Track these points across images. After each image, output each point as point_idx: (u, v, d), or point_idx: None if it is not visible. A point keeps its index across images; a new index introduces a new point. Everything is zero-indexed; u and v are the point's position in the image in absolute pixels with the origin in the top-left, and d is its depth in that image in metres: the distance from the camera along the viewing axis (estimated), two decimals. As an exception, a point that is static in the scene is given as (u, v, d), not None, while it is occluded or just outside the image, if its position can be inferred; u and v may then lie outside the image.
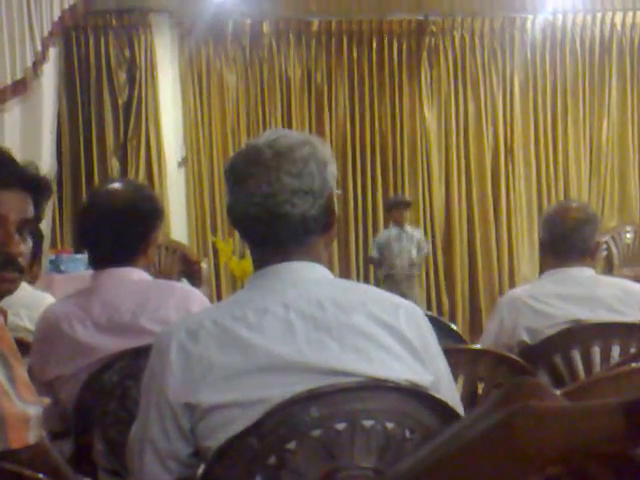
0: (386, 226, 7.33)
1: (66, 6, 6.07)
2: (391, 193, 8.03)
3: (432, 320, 2.04)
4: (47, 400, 1.58)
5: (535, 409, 0.39)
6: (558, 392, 1.76)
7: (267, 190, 1.61)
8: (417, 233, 7.18)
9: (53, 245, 6.90)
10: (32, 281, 3.53)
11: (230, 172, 1.70)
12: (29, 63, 5.94)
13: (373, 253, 7.14)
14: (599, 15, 8.32)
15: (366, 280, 7.86)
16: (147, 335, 2.21)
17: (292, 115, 8.04)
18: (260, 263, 1.70)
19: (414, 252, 6.97)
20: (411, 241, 7.00)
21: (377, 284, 7.20)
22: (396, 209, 6.99)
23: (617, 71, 8.44)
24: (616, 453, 0.41)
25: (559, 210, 3.02)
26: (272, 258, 1.67)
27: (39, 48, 6.01)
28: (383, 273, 7.08)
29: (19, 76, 5.90)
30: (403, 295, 6.24)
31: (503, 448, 0.38)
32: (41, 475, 1.38)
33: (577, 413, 0.39)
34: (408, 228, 7.05)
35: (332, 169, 1.69)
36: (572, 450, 0.39)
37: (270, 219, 1.63)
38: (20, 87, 5.94)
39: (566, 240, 2.90)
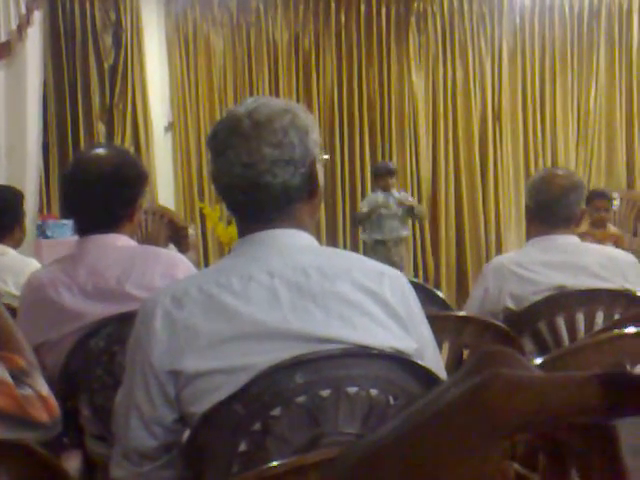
0: (374, 191, 7.26)
1: (50, -32, 6.00)
2: (379, 158, 8.01)
3: (417, 287, 2.05)
4: None
5: (506, 377, 0.40)
6: (538, 360, 1.78)
7: (247, 160, 1.60)
8: (403, 194, 7.08)
9: (40, 210, 6.87)
10: (15, 245, 3.53)
11: (211, 142, 1.68)
12: (13, 26, 5.88)
13: (363, 209, 6.95)
14: (588, -20, 8.29)
15: (354, 244, 7.86)
16: (133, 301, 2.21)
17: (279, 79, 7.98)
18: (244, 231, 1.69)
19: (401, 213, 6.92)
20: (398, 205, 6.93)
21: (365, 248, 7.17)
22: (381, 177, 6.91)
23: (605, 37, 8.41)
24: (588, 423, 0.42)
25: (545, 177, 3.01)
26: (255, 226, 1.67)
27: (23, 11, 5.94)
28: (372, 238, 7.01)
29: (3, 39, 5.85)
30: (392, 261, 6.17)
31: (471, 415, 0.39)
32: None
33: (550, 382, 0.40)
34: (395, 193, 6.98)
35: (314, 136, 1.68)
36: (542, 419, 0.39)
37: (251, 189, 1.62)
38: (4, 50, 5.88)
39: (552, 207, 2.90)
